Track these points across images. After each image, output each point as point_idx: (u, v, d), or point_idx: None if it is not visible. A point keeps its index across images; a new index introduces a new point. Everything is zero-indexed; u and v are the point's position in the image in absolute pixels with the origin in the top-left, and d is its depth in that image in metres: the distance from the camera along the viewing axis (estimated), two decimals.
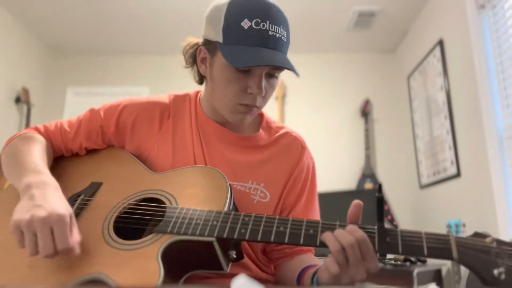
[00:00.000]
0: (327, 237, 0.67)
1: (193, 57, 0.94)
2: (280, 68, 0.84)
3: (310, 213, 0.97)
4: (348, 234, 0.65)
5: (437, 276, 2.50)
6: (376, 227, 0.68)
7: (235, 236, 0.70)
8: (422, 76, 3.16)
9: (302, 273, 0.83)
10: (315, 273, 0.75)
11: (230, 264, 0.75)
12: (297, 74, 0.83)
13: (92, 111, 0.96)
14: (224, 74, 0.84)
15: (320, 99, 3.77)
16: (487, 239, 0.64)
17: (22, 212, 0.69)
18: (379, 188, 0.70)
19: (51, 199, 0.72)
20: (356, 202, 0.71)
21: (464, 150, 2.53)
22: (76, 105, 3.86)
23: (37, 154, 0.86)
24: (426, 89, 3.09)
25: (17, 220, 0.68)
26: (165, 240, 0.70)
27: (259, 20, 0.79)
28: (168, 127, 0.94)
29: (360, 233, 0.66)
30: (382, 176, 3.52)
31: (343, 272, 0.65)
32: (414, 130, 3.33)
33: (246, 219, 0.72)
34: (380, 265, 2.37)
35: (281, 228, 0.70)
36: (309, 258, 0.91)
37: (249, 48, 0.79)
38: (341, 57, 3.86)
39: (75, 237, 0.70)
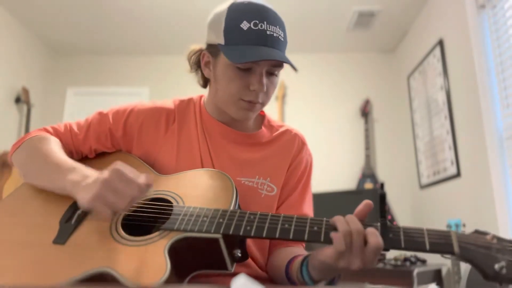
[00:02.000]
0: (338, 219, 0.69)
1: (197, 63, 0.99)
2: (279, 66, 0.88)
3: (303, 205, 0.99)
4: (358, 222, 0.68)
5: (437, 276, 2.50)
6: (378, 223, 0.69)
7: (241, 233, 0.71)
8: (422, 76, 3.16)
9: (291, 260, 0.85)
10: (305, 258, 0.78)
11: (235, 263, 0.75)
12: (295, 69, 0.86)
13: (101, 114, 0.98)
14: (227, 73, 0.88)
15: (320, 99, 3.77)
16: (488, 236, 0.65)
17: (88, 192, 0.70)
18: (381, 186, 0.72)
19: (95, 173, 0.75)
20: (367, 201, 0.72)
21: (464, 150, 2.53)
22: (76, 105, 3.87)
23: (62, 153, 0.88)
24: (426, 89, 3.09)
25: (91, 196, 0.69)
26: (172, 236, 0.71)
27: (257, 21, 0.85)
28: (174, 131, 0.97)
29: (372, 230, 0.67)
30: (382, 176, 3.52)
31: (343, 255, 0.66)
32: (414, 130, 3.33)
33: (252, 217, 0.73)
34: (380, 265, 2.39)
35: (286, 226, 0.71)
36: (298, 249, 0.94)
37: (249, 47, 0.84)
38: (341, 57, 3.86)
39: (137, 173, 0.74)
